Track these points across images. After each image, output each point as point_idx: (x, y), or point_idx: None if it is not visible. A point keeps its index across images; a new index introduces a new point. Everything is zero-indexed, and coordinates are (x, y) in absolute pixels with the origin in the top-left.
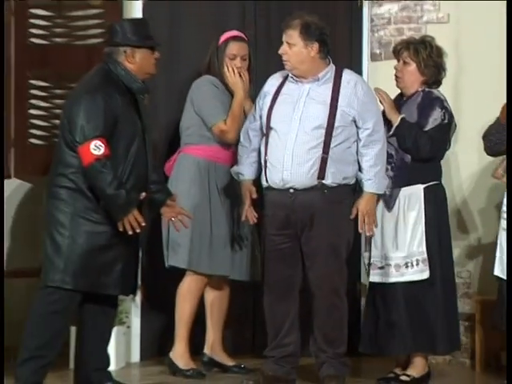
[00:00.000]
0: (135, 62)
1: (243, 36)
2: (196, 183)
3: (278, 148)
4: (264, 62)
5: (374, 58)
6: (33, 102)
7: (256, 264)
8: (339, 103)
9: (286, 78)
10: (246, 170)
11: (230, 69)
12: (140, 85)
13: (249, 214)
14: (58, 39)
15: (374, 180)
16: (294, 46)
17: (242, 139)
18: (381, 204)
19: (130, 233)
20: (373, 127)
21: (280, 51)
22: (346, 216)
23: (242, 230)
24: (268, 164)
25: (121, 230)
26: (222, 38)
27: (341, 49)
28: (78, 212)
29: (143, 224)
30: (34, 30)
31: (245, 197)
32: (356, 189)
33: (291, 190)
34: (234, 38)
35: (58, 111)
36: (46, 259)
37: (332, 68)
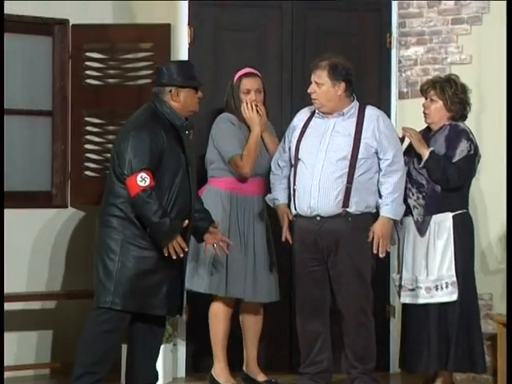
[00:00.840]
0: (179, 100)
1: (255, 72)
2: (219, 213)
3: (305, 178)
4: (299, 98)
5: (401, 96)
6: (88, 137)
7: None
8: (362, 136)
9: (313, 113)
10: (280, 196)
11: (249, 105)
12: (183, 121)
13: (288, 236)
14: (110, 80)
15: (391, 206)
16: (323, 86)
17: (273, 169)
18: (413, 229)
19: (174, 257)
20: (392, 158)
21: (309, 90)
22: (369, 242)
23: (265, 254)
24: (296, 193)
25: (166, 255)
26: (236, 76)
27: (371, 87)
28: (127, 239)
29: (186, 249)
30: (89, 72)
31: (282, 220)
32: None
33: (318, 218)
34: (246, 75)
35: (110, 146)
36: (98, 282)
37: (356, 104)
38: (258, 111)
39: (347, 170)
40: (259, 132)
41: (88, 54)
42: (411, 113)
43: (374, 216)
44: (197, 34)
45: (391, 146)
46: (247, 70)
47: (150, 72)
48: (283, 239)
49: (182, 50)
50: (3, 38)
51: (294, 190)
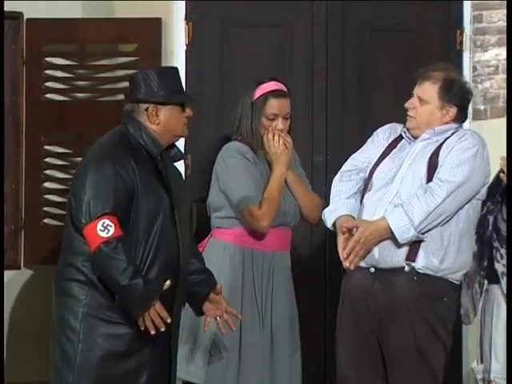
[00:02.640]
0: (159, 121)
1: (285, 89)
2: (226, 276)
3: (368, 211)
4: (338, 117)
5: (477, 115)
6: (48, 172)
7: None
8: (439, 163)
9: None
10: (342, 206)
11: (276, 137)
12: (160, 150)
13: (344, 253)
14: (79, 94)
15: (398, 212)
16: (427, 104)
17: (336, 179)
18: (504, 303)
19: (153, 332)
20: (444, 175)
21: (407, 104)
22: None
23: (286, 331)
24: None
25: (142, 329)
26: (258, 92)
27: None
28: (90, 311)
29: (168, 321)
30: (50, 84)
31: (338, 236)
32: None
33: (372, 269)
34: (275, 93)
35: None
36: (54, 371)
37: (455, 127)
38: (284, 144)
39: None
40: (284, 172)
41: (49, 59)
42: (491, 137)
43: (454, 287)
44: (197, 32)
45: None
46: (276, 85)
47: None
48: (340, 256)
49: (177, 54)
50: (3, 37)
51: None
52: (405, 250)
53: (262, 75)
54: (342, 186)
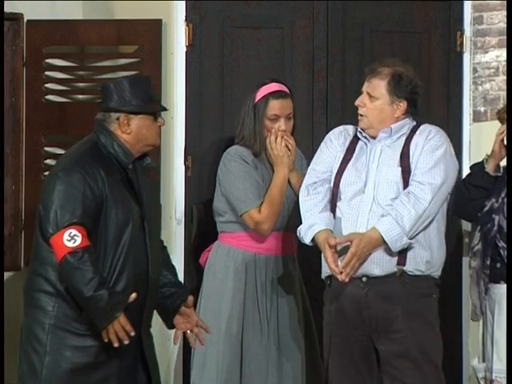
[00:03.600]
0: (130, 131)
1: (286, 90)
2: (229, 281)
3: (347, 224)
4: (338, 117)
5: (477, 117)
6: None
7: (318, 372)
8: (411, 162)
9: (354, 136)
10: (317, 220)
11: (278, 139)
12: (131, 159)
13: (335, 267)
14: (80, 96)
15: (389, 220)
16: (377, 100)
17: (302, 196)
18: (498, 300)
19: (116, 345)
20: (423, 177)
21: (357, 102)
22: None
23: (293, 337)
24: None
25: (105, 340)
26: (259, 94)
27: (436, 105)
28: (57, 323)
29: (132, 333)
30: (50, 85)
31: (324, 249)
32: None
33: (364, 279)
34: (275, 94)
35: None
36: (20, 383)
37: (410, 122)
38: (287, 146)
39: None
40: (286, 175)
41: (49, 60)
42: (491, 139)
43: (436, 283)
44: (197, 33)
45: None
46: (276, 86)
47: None
48: (333, 271)
49: (177, 55)
50: (3, 38)
51: None
52: (395, 256)
53: (262, 76)
54: (312, 199)
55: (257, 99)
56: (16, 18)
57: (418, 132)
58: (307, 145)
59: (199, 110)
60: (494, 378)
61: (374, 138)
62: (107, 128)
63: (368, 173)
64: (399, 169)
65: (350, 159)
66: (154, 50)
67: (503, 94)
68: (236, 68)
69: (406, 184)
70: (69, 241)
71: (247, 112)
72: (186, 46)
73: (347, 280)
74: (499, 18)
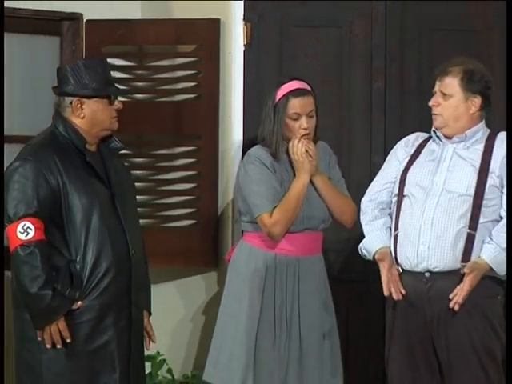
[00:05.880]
0: (84, 115)
1: (306, 87)
2: (249, 280)
3: (413, 218)
4: (396, 117)
5: None
6: None
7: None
8: (491, 168)
9: (424, 141)
10: (376, 237)
11: (299, 145)
12: (83, 144)
13: (396, 289)
14: (138, 95)
15: (495, 247)
16: (451, 98)
17: (363, 207)
18: None
19: (48, 346)
20: None
21: (431, 102)
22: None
23: (316, 342)
24: (398, 238)
25: (39, 339)
26: (279, 93)
27: (495, 106)
28: None
29: (68, 340)
30: None
31: (382, 268)
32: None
33: (427, 274)
34: (295, 92)
35: (138, 184)
36: None
37: (484, 128)
38: (307, 151)
39: (470, 211)
40: (306, 181)
41: (108, 60)
42: None
43: (502, 284)
44: (255, 33)
45: None
46: (296, 84)
47: (192, 84)
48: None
49: (235, 54)
50: (3, 38)
51: (396, 237)
52: (459, 252)
53: (320, 75)
54: (378, 216)
55: (277, 99)
56: (75, 18)
57: (499, 142)
58: (365, 142)
59: (257, 110)
60: None
61: (448, 137)
62: (61, 114)
63: (437, 170)
64: (474, 175)
65: (417, 157)
66: (212, 49)
67: None
68: (294, 67)
69: (478, 196)
70: (21, 233)
71: (267, 112)
72: (244, 46)
73: (400, 298)
74: None
